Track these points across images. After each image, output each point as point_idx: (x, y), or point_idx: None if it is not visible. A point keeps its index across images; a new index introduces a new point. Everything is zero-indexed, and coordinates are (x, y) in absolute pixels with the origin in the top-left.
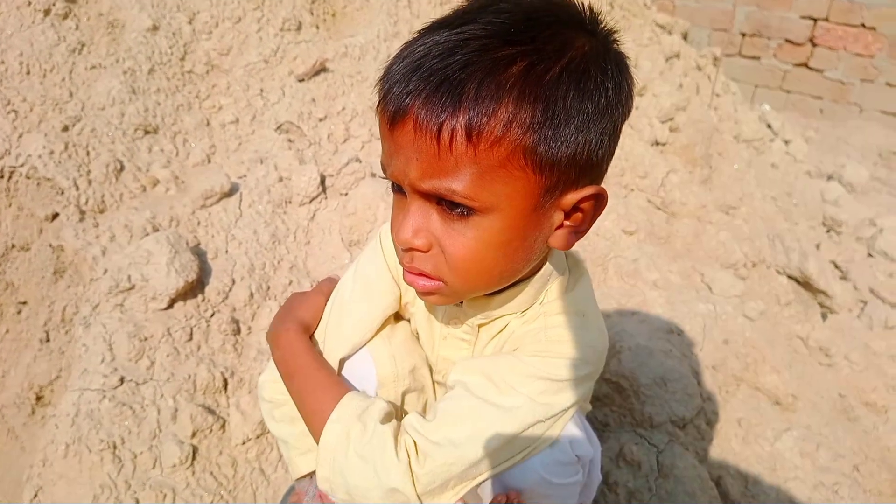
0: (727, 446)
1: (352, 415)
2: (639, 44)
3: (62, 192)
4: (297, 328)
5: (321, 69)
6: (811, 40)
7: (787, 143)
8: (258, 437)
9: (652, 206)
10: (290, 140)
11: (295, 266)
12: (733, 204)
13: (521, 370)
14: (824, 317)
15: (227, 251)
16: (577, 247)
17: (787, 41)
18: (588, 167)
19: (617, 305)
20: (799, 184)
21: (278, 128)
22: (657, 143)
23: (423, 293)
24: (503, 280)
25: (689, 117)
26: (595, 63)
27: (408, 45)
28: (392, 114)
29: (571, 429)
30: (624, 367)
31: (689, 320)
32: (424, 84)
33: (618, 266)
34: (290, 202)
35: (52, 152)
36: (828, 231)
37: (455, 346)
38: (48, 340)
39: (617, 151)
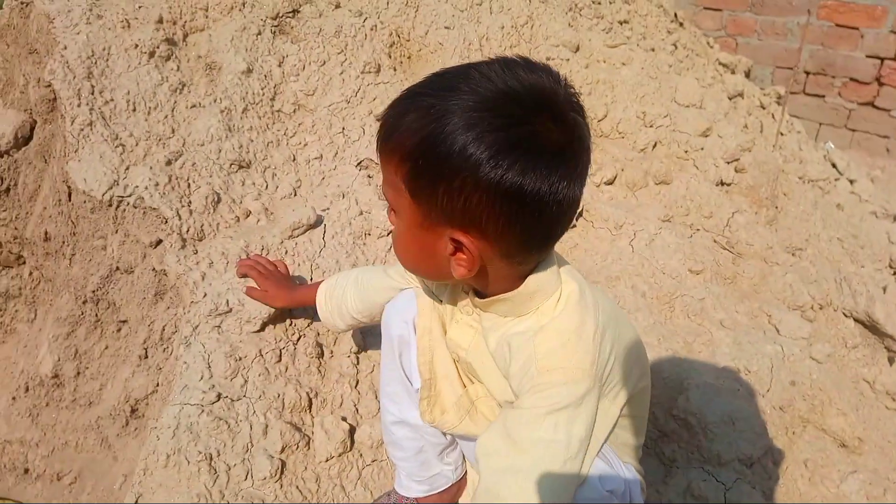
0: (793, 486)
1: None
2: (702, 84)
3: (166, 221)
4: None
5: None
6: (877, 79)
7: (852, 182)
8: (340, 455)
9: (717, 246)
10: (369, 176)
11: None
12: (799, 245)
13: (528, 418)
14: (891, 361)
15: (311, 279)
16: (643, 282)
17: (853, 80)
18: (457, 215)
19: (684, 344)
20: (865, 225)
21: (358, 164)
22: (722, 184)
23: None
24: (423, 272)
25: (754, 158)
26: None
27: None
28: (377, 149)
29: (599, 465)
30: (692, 404)
31: (756, 360)
32: (382, 135)
33: (684, 305)
34: (370, 234)
35: (157, 184)
36: (894, 273)
37: (463, 330)
38: (146, 357)
39: (682, 191)
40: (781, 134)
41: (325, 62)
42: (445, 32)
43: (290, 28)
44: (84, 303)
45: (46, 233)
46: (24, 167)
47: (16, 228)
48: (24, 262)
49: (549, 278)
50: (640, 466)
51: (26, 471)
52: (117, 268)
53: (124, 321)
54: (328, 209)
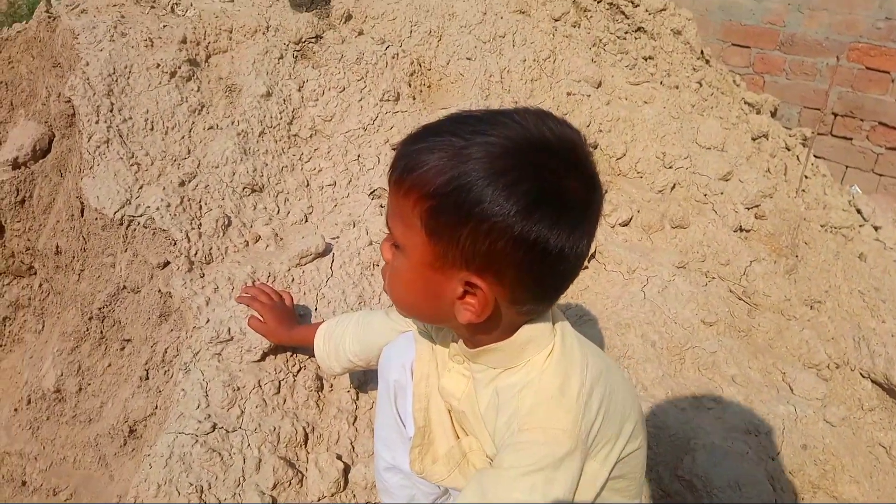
0: None
1: None
2: (725, 125)
3: (175, 243)
4: None
5: None
6: None
7: (877, 229)
8: (333, 495)
9: (733, 297)
10: (381, 206)
11: None
12: (818, 298)
13: (505, 478)
14: None
15: (316, 309)
16: (654, 332)
17: (882, 124)
18: (477, 259)
19: (692, 399)
20: (888, 278)
21: (371, 193)
22: (741, 230)
23: None
24: (420, 313)
25: (775, 205)
26: (516, 168)
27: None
28: (389, 181)
29: None
30: (698, 465)
31: (767, 421)
32: (396, 170)
33: (695, 357)
34: (378, 265)
35: (168, 205)
36: None
37: (456, 379)
38: (147, 378)
39: (699, 236)
40: (806, 177)
41: (344, 88)
42: (467, 63)
43: (312, 53)
44: (90, 319)
45: (58, 246)
46: (40, 180)
47: (28, 239)
48: (35, 274)
49: (542, 330)
50: None
51: (24, 483)
52: (124, 286)
53: (128, 340)
54: (338, 237)
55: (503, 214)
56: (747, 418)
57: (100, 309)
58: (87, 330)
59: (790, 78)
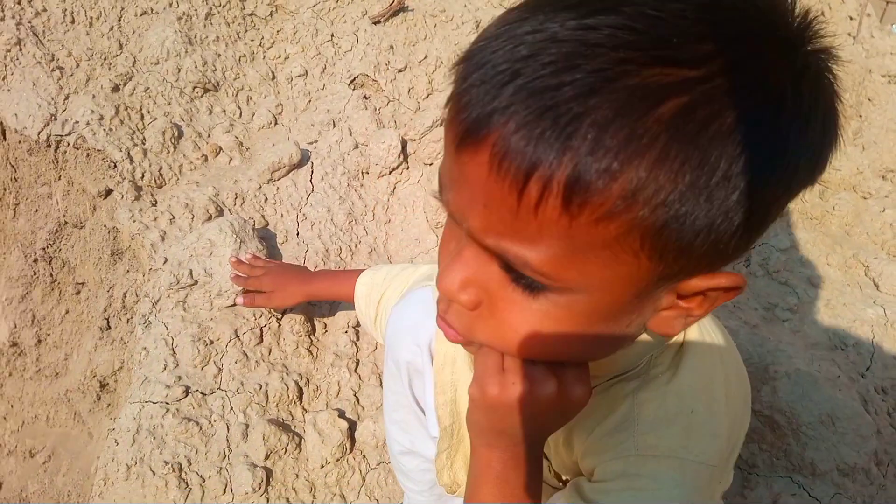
0: None
1: None
2: None
3: (114, 166)
4: None
5: (399, 9)
6: None
7: None
8: (338, 460)
9: None
10: (365, 97)
11: (375, 250)
12: (891, 166)
13: None
14: None
15: (297, 233)
16: None
17: None
18: (730, 251)
19: (764, 311)
20: None
21: (352, 82)
22: None
23: (453, 341)
24: (591, 355)
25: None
26: (791, 111)
27: (509, 21)
28: (465, 130)
29: None
30: (780, 398)
31: (855, 329)
32: (522, 105)
33: (764, 258)
34: (368, 173)
35: (101, 118)
36: None
37: None
38: (109, 328)
39: None
40: (851, 18)
41: None
42: None
43: None
44: (35, 261)
45: None
46: None
47: None
48: None
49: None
50: None
51: None
52: (66, 222)
53: (82, 283)
54: (316, 142)
55: (774, 181)
56: (831, 329)
57: (44, 249)
58: (35, 273)
59: None
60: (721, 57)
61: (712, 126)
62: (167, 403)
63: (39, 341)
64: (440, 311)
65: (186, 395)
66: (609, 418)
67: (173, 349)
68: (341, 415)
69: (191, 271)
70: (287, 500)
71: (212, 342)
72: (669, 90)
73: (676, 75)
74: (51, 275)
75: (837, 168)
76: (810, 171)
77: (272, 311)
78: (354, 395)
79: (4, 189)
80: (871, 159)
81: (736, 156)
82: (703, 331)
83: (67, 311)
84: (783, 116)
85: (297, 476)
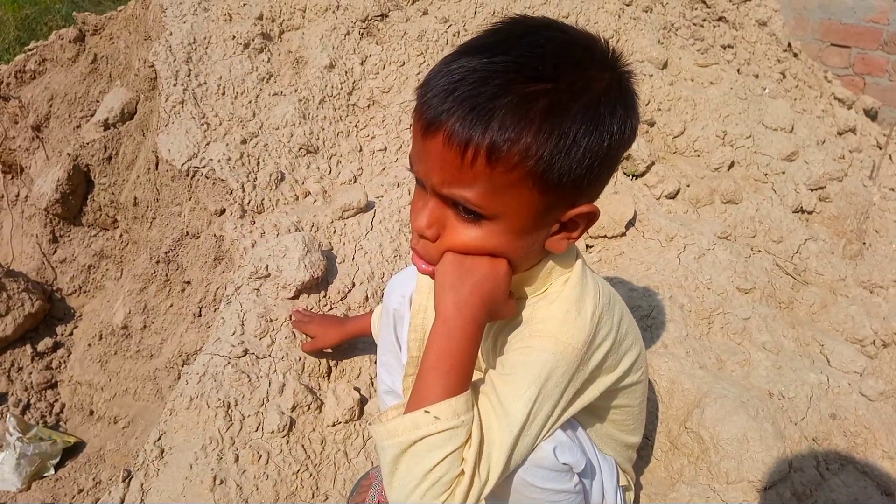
0: None
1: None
2: (811, 114)
3: (231, 192)
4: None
5: None
6: None
7: None
8: (347, 422)
9: (779, 271)
10: None
11: None
12: (880, 283)
13: (513, 386)
14: None
15: (353, 258)
16: (683, 295)
17: None
18: (587, 190)
19: (716, 360)
20: None
21: None
22: (802, 211)
23: (422, 272)
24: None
25: (842, 188)
26: (608, 103)
27: (447, 62)
28: (426, 124)
29: (558, 435)
30: (706, 418)
31: (794, 388)
32: (458, 107)
33: (725, 322)
34: None
35: (229, 158)
36: None
37: None
38: (200, 315)
39: (751, 212)
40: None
41: (404, 63)
42: None
43: (377, 30)
44: (157, 263)
45: (136, 198)
46: (125, 139)
47: (113, 193)
48: (118, 226)
49: (565, 258)
50: (628, 468)
51: (91, 412)
52: (187, 232)
53: (188, 282)
54: (382, 196)
55: (605, 145)
56: (772, 382)
57: (166, 253)
58: (154, 272)
59: (893, 79)
60: (566, 76)
61: (564, 113)
62: (230, 358)
63: (145, 327)
64: (412, 242)
65: (244, 355)
66: (517, 319)
67: (242, 321)
68: (357, 389)
69: (267, 266)
70: (302, 446)
71: (271, 321)
72: (539, 94)
73: (542, 86)
74: (166, 274)
75: (820, 272)
76: (621, 135)
77: (319, 305)
78: (370, 380)
79: (147, 207)
80: (860, 273)
81: (578, 128)
82: (588, 277)
83: (172, 304)
84: (602, 106)
85: (314, 430)
